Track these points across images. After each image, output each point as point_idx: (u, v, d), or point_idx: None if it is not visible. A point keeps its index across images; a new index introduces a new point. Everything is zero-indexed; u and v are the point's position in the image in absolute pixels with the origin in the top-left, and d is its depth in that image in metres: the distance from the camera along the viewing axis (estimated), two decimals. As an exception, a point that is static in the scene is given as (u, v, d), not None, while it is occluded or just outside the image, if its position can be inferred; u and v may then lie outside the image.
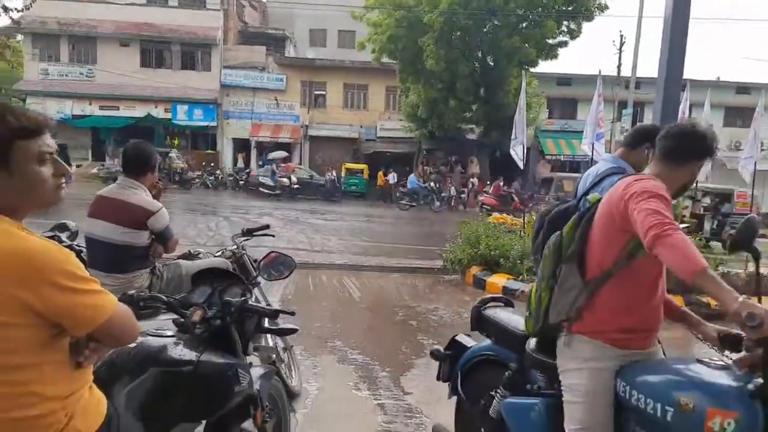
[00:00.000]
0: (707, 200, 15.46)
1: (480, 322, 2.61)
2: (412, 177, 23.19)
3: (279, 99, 27.72)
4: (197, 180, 23.75)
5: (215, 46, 27.25)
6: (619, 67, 25.68)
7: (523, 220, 9.35)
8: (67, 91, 26.12)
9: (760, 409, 1.48)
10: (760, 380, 1.50)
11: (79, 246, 3.68)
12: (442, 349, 2.68)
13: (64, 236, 4.05)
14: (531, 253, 2.71)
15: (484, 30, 21.44)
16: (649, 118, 16.99)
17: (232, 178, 24.57)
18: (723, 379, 1.60)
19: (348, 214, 16.27)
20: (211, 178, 24.24)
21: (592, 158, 9.41)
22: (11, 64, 22.56)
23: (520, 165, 9.58)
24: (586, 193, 2.77)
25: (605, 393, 1.86)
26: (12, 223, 1.24)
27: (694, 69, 37.63)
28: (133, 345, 1.64)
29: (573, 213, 2.80)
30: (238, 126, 27.63)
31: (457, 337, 2.73)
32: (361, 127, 28.09)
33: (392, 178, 24.44)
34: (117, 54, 26.77)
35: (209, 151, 27.69)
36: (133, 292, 1.97)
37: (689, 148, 1.94)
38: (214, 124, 27.34)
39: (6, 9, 8.58)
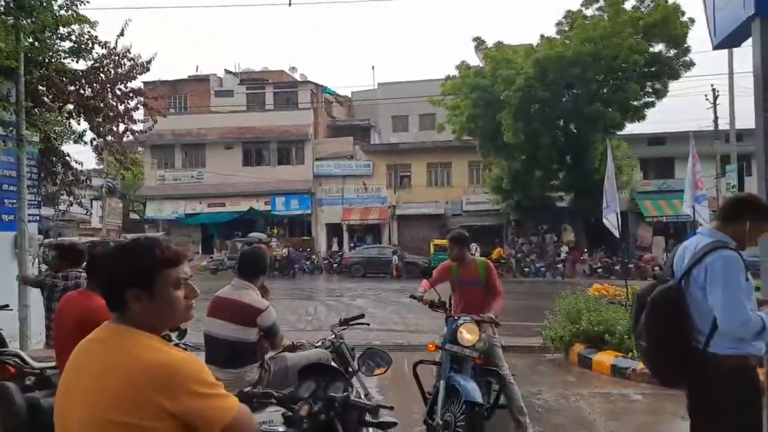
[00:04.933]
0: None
1: None
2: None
3: (366, 183, 29.05)
4: (296, 265, 24.97)
5: (307, 141, 29.55)
6: (715, 120, 24.36)
7: (626, 290, 8.80)
8: (180, 193, 29.26)
9: None
10: None
11: (185, 345, 4.05)
12: None
13: (174, 335, 4.25)
14: (634, 335, 2.58)
15: (563, 100, 21.50)
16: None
17: (326, 262, 25.61)
18: None
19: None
20: (307, 262, 25.39)
21: (694, 221, 8.82)
22: (135, 173, 25.98)
23: (615, 233, 9.14)
24: (688, 270, 2.60)
25: None
26: (154, 339, 1.47)
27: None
28: (250, 441, 1.80)
29: (676, 294, 2.62)
30: (331, 211, 29.11)
31: None
32: (447, 203, 28.46)
33: (474, 250, 24.00)
34: (222, 156, 29.83)
35: (305, 237, 29.21)
36: (248, 389, 2.18)
37: None
38: (308, 212, 29.05)
39: (132, 131, 10.05)
